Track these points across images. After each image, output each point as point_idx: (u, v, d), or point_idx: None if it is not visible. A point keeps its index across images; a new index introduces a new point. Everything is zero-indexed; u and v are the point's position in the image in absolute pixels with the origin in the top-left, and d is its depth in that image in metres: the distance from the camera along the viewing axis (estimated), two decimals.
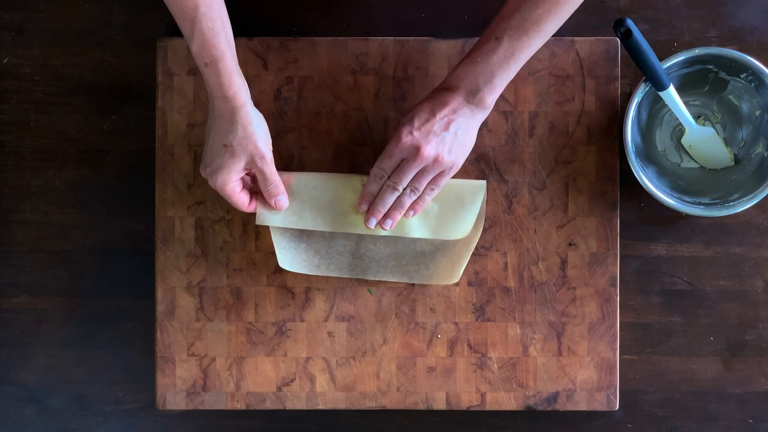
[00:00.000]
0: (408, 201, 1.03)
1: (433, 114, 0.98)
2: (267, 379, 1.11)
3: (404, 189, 1.02)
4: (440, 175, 1.01)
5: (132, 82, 1.13)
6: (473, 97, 0.98)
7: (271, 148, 1.00)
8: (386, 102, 1.11)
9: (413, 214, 1.04)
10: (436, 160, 0.99)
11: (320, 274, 1.09)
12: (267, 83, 1.11)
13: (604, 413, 1.14)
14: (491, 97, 0.99)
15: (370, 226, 1.04)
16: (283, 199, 1.04)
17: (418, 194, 1.02)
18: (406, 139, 0.98)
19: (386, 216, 1.04)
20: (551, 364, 1.11)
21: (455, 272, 1.09)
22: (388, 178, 1.02)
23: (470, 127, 1.00)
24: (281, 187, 1.03)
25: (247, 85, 0.98)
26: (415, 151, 0.99)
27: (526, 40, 0.96)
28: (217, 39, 0.95)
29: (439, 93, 0.99)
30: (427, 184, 1.02)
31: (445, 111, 0.99)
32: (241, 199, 1.02)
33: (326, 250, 1.09)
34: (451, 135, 0.99)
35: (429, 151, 0.99)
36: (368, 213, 1.04)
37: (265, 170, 1.00)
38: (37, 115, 1.14)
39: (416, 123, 0.98)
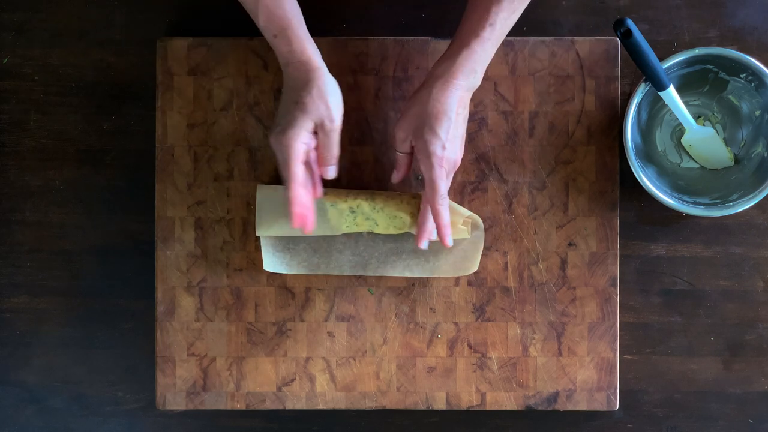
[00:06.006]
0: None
1: (451, 119, 0.98)
2: (267, 379, 1.11)
3: None
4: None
5: (132, 82, 1.14)
6: (472, 84, 1.00)
7: (342, 117, 1.00)
8: (386, 102, 1.11)
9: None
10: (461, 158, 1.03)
11: (320, 273, 1.09)
12: (267, 83, 1.11)
13: (604, 413, 1.14)
14: (482, 76, 1.00)
15: (425, 247, 1.05)
16: (332, 171, 1.03)
17: None
18: (443, 154, 0.99)
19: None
20: (551, 364, 1.11)
21: (464, 266, 1.09)
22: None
23: (468, 108, 1.02)
24: (336, 158, 1.02)
25: (318, 51, 1.00)
26: (454, 163, 1.00)
27: (514, 17, 0.99)
28: (281, 9, 0.97)
29: (443, 92, 0.98)
30: None
31: (457, 110, 0.99)
32: (297, 171, 0.98)
33: (326, 248, 1.09)
34: (463, 128, 1.01)
35: (461, 156, 1.01)
36: (440, 236, 1.02)
37: (332, 135, 1.00)
38: (37, 115, 1.14)
39: (442, 135, 0.98)
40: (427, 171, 0.99)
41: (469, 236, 1.08)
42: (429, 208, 1.02)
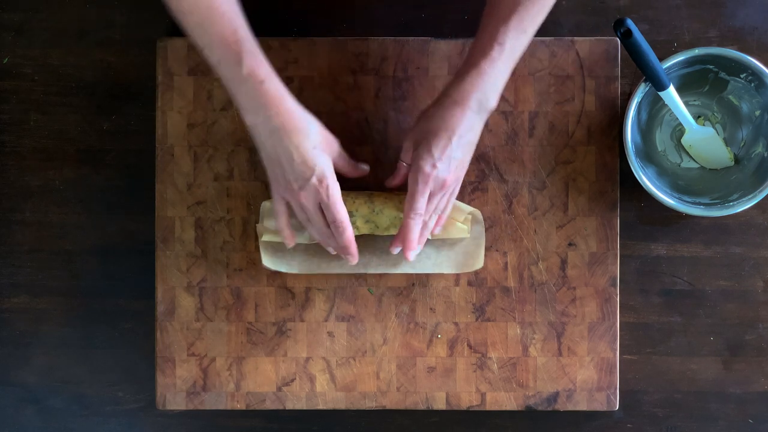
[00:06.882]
0: (433, 222, 1.03)
1: (449, 140, 0.96)
2: (267, 379, 1.11)
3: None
4: (457, 187, 1.03)
5: (132, 82, 1.14)
6: (484, 107, 0.97)
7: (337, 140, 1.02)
8: (386, 102, 1.11)
9: (439, 230, 1.06)
10: (456, 181, 1.01)
11: (320, 272, 1.09)
12: None
13: (604, 413, 1.14)
14: (497, 99, 0.97)
15: (396, 252, 1.05)
16: (364, 166, 1.06)
17: (440, 212, 1.03)
18: (431, 172, 0.97)
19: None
20: (551, 364, 1.11)
21: (468, 262, 1.09)
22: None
23: (478, 134, 1.00)
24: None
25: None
26: (442, 183, 0.98)
27: (524, 38, 0.96)
28: (262, 54, 0.94)
29: (449, 111, 0.97)
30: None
31: (459, 132, 0.97)
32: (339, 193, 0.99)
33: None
34: (466, 153, 0.99)
35: (453, 178, 0.99)
36: (402, 248, 1.02)
37: (344, 157, 1.02)
38: (37, 115, 1.14)
39: (436, 154, 0.97)
40: (412, 184, 0.99)
41: (468, 235, 1.08)
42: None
